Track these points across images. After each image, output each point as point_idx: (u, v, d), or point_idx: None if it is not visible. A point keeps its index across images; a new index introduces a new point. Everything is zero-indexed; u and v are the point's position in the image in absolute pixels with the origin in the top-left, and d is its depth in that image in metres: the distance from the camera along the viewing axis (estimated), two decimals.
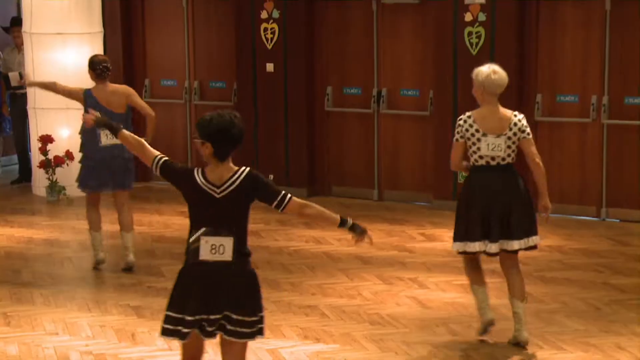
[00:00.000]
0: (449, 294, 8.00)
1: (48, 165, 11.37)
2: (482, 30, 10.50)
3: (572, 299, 7.82)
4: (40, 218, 10.75)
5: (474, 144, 6.65)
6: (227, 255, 5.02)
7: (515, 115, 6.69)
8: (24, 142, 12.44)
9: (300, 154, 11.54)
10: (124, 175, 8.76)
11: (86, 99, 8.54)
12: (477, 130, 6.62)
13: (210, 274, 5.03)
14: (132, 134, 5.35)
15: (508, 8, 10.38)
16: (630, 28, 10.09)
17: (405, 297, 7.93)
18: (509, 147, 6.63)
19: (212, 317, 5.03)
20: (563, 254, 9.15)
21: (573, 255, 9.09)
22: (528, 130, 6.68)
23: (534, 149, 6.72)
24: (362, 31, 11.32)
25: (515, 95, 10.46)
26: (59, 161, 11.35)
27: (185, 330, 5.04)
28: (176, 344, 6.87)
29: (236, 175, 5.06)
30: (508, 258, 6.83)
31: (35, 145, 11.61)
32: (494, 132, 6.61)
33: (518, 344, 6.75)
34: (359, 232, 5.38)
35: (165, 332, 5.12)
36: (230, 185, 5.03)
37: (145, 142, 5.25)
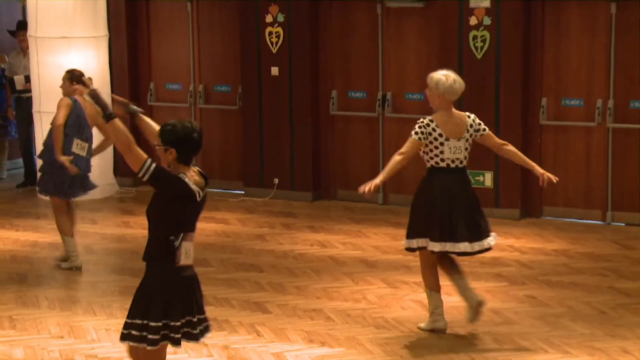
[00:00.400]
0: (454, 297, 7.97)
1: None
2: (487, 34, 10.49)
3: (578, 302, 7.81)
4: (45, 222, 10.75)
5: (436, 147, 6.86)
6: (192, 258, 5.20)
7: (469, 117, 6.97)
8: (29, 146, 12.45)
9: (305, 157, 11.54)
10: (82, 185, 8.88)
11: (73, 103, 8.65)
12: (440, 135, 6.85)
13: (188, 279, 5.22)
14: (124, 128, 5.22)
15: (513, 12, 10.37)
16: (636, 32, 10.08)
17: (410, 301, 7.92)
18: (466, 149, 6.92)
19: (194, 319, 5.26)
20: (569, 257, 9.13)
21: (578, 259, 9.07)
22: (483, 125, 6.99)
23: (496, 139, 7.06)
24: (367, 35, 11.32)
25: (520, 99, 10.46)
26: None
27: (176, 335, 5.21)
28: (181, 347, 6.88)
29: (202, 176, 5.23)
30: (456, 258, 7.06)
31: (40, 148, 11.60)
32: (455, 135, 6.87)
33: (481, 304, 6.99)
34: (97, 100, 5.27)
35: (153, 342, 5.25)
36: (205, 187, 5.21)
37: (133, 141, 5.15)
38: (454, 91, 6.90)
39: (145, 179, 5.10)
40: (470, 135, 6.93)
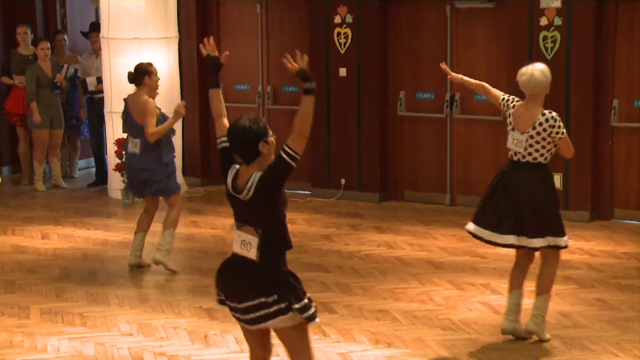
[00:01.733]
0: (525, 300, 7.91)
1: (124, 168, 11.52)
2: (557, 34, 10.38)
3: None
4: (115, 220, 10.91)
5: (508, 132, 6.96)
6: (252, 253, 5.09)
7: (543, 114, 6.77)
8: (100, 146, 12.64)
9: (373, 158, 11.53)
10: (141, 184, 8.77)
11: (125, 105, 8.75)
12: (509, 123, 6.90)
13: (238, 268, 5.17)
14: (219, 102, 5.54)
15: (585, 12, 10.25)
16: None
17: (477, 302, 7.88)
18: (530, 145, 6.75)
19: (240, 306, 5.15)
20: None
21: None
22: (557, 129, 6.73)
23: (569, 147, 6.86)
24: (436, 35, 11.27)
25: (591, 100, 10.33)
26: None
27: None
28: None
29: (251, 180, 5.08)
30: (543, 253, 6.93)
31: (111, 148, 11.78)
32: (520, 128, 6.81)
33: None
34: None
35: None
36: (249, 190, 5.08)
37: (224, 119, 5.40)
38: (521, 84, 6.82)
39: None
40: (538, 133, 6.76)
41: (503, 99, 7.01)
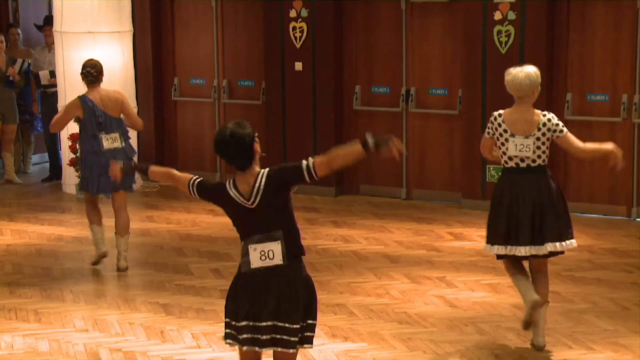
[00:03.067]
0: (477, 293, 7.98)
1: (78, 163, 11.43)
2: (511, 28, 10.45)
3: (602, 299, 7.78)
4: (70, 216, 10.82)
5: (502, 144, 6.63)
6: (277, 259, 4.97)
7: (544, 115, 6.63)
8: (54, 140, 12.52)
9: None
10: (124, 177, 8.69)
11: (83, 103, 8.54)
12: (505, 130, 6.60)
13: (261, 280, 4.97)
14: (160, 168, 5.42)
15: (538, 6, 10.33)
16: None
17: (433, 296, 7.92)
18: (538, 147, 6.57)
19: (261, 324, 4.95)
20: (593, 253, 9.10)
21: (603, 255, 9.04)
22: (560, 127, 6.57)
23: (574, 143, 6.60)
24: (391, 30, 11.30)
25: (545, 94, 10.39)
26: None
27: (242, 336, 4.98)
28: (204, 341, 6.91)
29: (258, 181, 5.02)
30: (536, 262, 6.74)
31: (65, 143, 11.68)
32: (522, 132, 6.57)
33: (536, 348, 6.71)
34: (384, 145, 5.09)
35: (226, 337, 5.11)
36: (257, 192, 5.01)
37: (173, 170, 5.32)
38: (506, 84, 6.63)
39: (194, 196, 5.16)
40: (543, 134, 6.55)
41: (488, 132, 6.72)
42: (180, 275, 8.57)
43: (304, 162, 5.03)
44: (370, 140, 5.00)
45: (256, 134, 5.11)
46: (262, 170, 5.08)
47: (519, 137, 6.57)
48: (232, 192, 5.03)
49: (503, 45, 10.50)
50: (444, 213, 10.68)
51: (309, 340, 5.07)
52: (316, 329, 5.12)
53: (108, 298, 7.98)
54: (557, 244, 6.62)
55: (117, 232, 8.73)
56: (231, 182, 5.07)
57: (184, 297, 7.90)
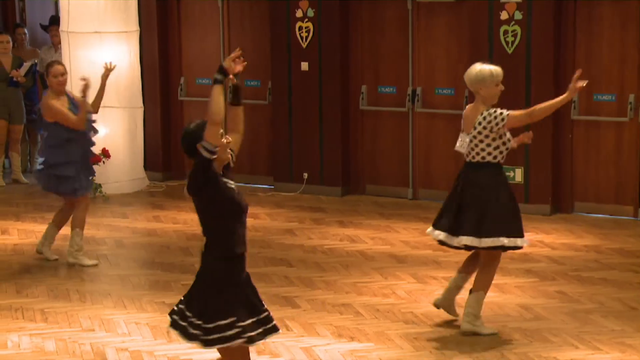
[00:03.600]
0: (489, 293, 7.95)
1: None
2: (518, 28, 10.44)
3: (609, 299, 7.77)
4: None
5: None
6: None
7: (481, 113, 6.77)
8: None
9: (335, 152, 11.54)
10: None
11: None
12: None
13: None
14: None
15: (545, 6, 10.31)
16: None
17: (439, 296, 7.89)
18: (476, 145, 6.76)
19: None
20: (599, 253, 9.08)
21: (609, 255, 9.02)
22: (501, 116, 6.69)
23: (519, 116, 6.75)
24: (397, 30, 11.29)
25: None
26: (95, 159, 11.40)
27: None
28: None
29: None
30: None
31: None
32: (465, 129, 6.85)
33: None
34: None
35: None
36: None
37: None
38: (467, 81, 6.88)
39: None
40: (479, 132, 6.76)
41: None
42: (186, 275, 8.56)
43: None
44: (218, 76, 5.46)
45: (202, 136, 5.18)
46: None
47: (463, 133, 6.85)
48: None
49: (509, 45, 10.49)
50: None
51: (207, 343, 5.28)
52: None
53: (114, 298, 7.99)
54: (473, 238, 6.77)
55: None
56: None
57: None
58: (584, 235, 9.71)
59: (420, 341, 6.91)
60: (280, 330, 5.44)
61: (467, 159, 6.89)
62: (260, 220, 10.42)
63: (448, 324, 7.24)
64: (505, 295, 7.89)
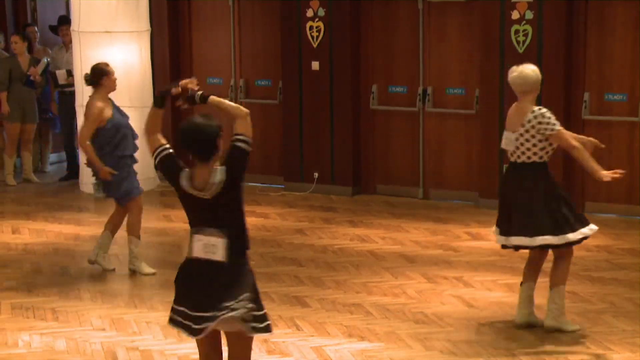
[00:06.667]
0: (495, 293, 7.96)
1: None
2: (529, 28, 10.42)
3: (620, 299, 7.75)
4: (87, 215, 10.85)
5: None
6: (219, 255, 4.98)
7: (532, 112, 6.76)
8: (71, 140, 12.56)
9: (346, 152, 11.54)
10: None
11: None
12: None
13: (203, 272, 5.01)
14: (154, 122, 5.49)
15: (556, 6, 10.29)
16: None
17: (450, 296, 7.90)
18: (521, 144, 6.76)
19: (204, 314, 4.98)
20: (611, 253, 9.06)
21: (621, 255, 9.00)
22: (552, 126, 6.73)
23: (565, 140, 6.81)
24: (408, 29, 11.28)
25: (562, 93, 10.38)
26: None
27: (196, 326, 5.02)
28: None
29: (215, 175, 4.99)
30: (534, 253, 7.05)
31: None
32: (510, 128, 6.83)
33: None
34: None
35: (171, 322, 5.16)
36: (213, 185, 4.98)
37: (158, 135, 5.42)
38: (510, 81, 6.87)
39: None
40: (527, 131, 6.76)
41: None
42: None
43: (233, 142, 5.08)
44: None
45: (221, 130, 5.11)
46: (221, 167, 5.04)
47: (508, 131, 6.83)
48: (185, 183, 5.02)
49: (520, 44, 10.47)
50: (461, 213, 10.66)
51: (263, 328, 5.07)
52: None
53: (125, 297, 8.00)
54: (523, 238, 6.79)
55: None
56: (187, 173, 5.06)
57: None
58: (595, 235, 9.64)
59: (431, 341, 6.90)
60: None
61: (512, 159, 6.87)
62: (270, 220, 10.42)
63: (459, 323, 7.23)
64: (517, 295, 7.84)
